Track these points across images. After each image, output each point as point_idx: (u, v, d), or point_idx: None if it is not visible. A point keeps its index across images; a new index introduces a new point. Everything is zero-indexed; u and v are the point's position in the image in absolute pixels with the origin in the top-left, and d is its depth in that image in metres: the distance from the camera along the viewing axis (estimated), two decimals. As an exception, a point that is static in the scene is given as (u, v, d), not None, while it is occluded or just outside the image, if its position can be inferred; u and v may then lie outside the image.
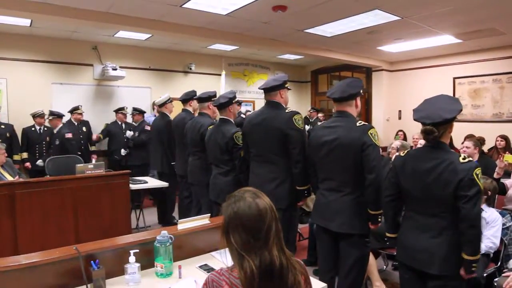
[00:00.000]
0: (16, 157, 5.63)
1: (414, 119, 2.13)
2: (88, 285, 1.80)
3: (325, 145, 2.50)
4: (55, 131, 5.80)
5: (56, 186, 3.94)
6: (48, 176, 4.55)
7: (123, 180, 4.24)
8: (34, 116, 5.82)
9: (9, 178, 4.20)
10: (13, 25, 5.58)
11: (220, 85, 7.59)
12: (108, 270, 1.88)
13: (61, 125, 5.83)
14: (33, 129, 5.86)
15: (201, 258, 2.23)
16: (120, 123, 6.47)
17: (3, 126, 5.71)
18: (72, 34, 6.23)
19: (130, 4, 4.49)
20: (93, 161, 5.72)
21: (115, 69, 6.47)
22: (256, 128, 3.00)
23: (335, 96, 2.55)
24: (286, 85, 3.04)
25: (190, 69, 7.76)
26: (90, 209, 4.00)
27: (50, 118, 5.85)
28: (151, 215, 5.24)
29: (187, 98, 4.74)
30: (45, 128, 5.99)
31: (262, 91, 3.07)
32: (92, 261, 1.84)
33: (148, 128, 5.97)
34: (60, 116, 5.89)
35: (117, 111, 6.45)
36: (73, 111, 5.97)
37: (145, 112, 6.49)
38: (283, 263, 1.26)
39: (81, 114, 6.03)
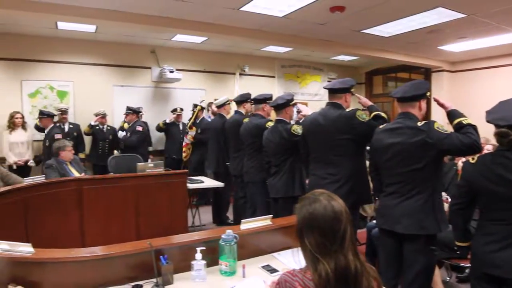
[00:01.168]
0: (81, 155, 5.97)
1: (487, 121, 2.01)
2: (158, 279, 1.86)
3: (389, 148, 2.42)
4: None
5: (119, 183, 4.15)
6: (111, 173, 4.77)
7: (180, 180, 4.38)
8: (97, 116, 6.17)
9: (76, 174, 4.46)
10: (80, 31, 5.95)
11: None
12: (175, 266, 1.93)
13: (52, 125, 5.73)
14: (97, 127, 6.20)
15: (263, 259, 2.22)
16: (177, 123, 6.66)
17: (71, 126, 6.11)
18: (132, 38, 6.53)
19: (188, 8, 4.62)
20: (149, 160, 5.97)
21: (172, 72, 6.68)
22: (317, 128, 2.98)
23: (397, 96, 2.49)
24: (352, 90, 3.00)
25: (244, 71, 7.85)
26: (150, 206, 4.16)
27: (40, 117, 5.68)
28: (205, 214, 5.34)
29: (241, 100, 4.80)
30: (108, 127, 6.33)
31: (315, 93, 3.05)
32: (161, 256, 1.90)
33: (140, 129, 6.02)
34: (50, 115, 5.75)
35: (173, 111, 6.66)
36: (139, 113, 6.29)
37: (139, 112, 6.42)
38: (358, 267, 1.23)
39: (141, 115, 6.31)
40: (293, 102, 3.66)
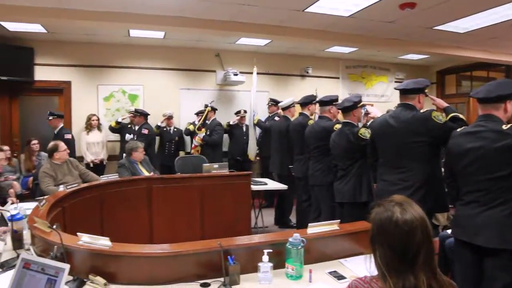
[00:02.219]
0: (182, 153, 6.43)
1: None
2: (225, 278, 1.87)
3: (468, 153, 2.21)
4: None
5: (186, 183, 4.30)
6: (178, 173, 4.95)
7: (245, 181, 4.43)
8: (164, 117, 6.46)
9: (146, 173, 4.69)
10: (150, 38, 6.31)
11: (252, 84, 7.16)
12: (241, 267, 1.94)
13: (61, 125, 5.80)
14: (165, 129, 6.48)
15: (329, 264, 2.16)
16: (240, 125, 6.77)
17: (175, 129, 6.62)
18: (198, 43, 6.76)
19: (253, 12, 4.66)
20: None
21: (236, 75, 6.81)
22: (388, 131, 2.83)
23: (478, 96, 2.25)
24: (426, 91, 2.82)
25: (307, 72, 7.77)
26: (214, 206, 4.25)
27: (50, 118, 5.70)
28: (267, 216, 5.35)
29: (306, 102, 4.74)
30: (175, 129, 6.60)
31: (381, 94, 2.90)
32: (229, 256, 1.91)
33: (146, 131, 6.01)
34: (60, 116, 5.82)
35: (237, 113, 6.77)
36: (198, 114, 6.49)
37: (148, 115, 6.28)
38: None
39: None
40: (361, 103, 3.53)
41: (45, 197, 3.12)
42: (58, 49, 6.45)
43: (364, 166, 3.36)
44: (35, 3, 4.31)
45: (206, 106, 6.36)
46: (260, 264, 1.94)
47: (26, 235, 2.35)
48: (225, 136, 6.89)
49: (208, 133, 6.23)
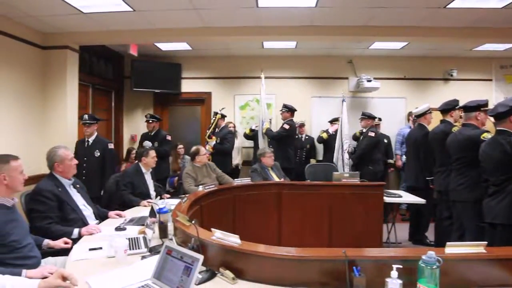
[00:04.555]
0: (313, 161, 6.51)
1: None
2: (349, 290, 1.81)
3: None
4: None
5: (315, 190, 4.32)
6: (308, 180, 5.00)
7: (377, 192, 4.22)
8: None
9: (276, 179, 4.86)
10: (282, 48, 6.57)
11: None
12: (367, 280, 1.84)
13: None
14: (297, 137, 6.61)
15: (473, 292, 1.88)
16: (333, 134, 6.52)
17: (307, 137, 6.79)
18: (330, 50, 6.74)
19: (388, 14, 4.44)
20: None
21: (370, 81, 6.57)
22: None
23: None
24: None
25: (451, 75, 7.01)
26: (343, 215, 4.16)
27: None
28: (401, 231, 4.96)
29: (447, 108, 4.29)
30: (307, 137, 6.70)
31: None
32: (354, 267, 1.84)
33: (169, 138, 5.73)
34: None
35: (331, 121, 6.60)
36: (332, 121, 6.45)
37: (160, 120, 6.08)
38: None
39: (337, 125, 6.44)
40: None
41: (187, 195, 3.51)
42: (201, 63, 7.26)
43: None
44: (182, 25, 4.94)
45: (215, 113, 6.16)
46: (388, 279, 1.80)
47: (170, 227, 2.68)
48: (320, 146, 6.75)
49: (218, 141, 6.04)
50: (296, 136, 6.60)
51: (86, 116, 4.88)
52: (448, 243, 2.04)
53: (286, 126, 5.99)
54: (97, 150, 4.79)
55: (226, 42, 6.08)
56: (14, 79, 4.59)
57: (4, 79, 4.43)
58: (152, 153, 4.26)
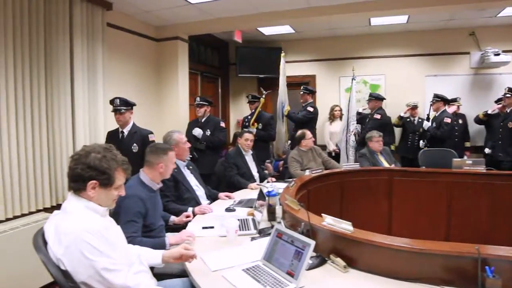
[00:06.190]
0: (392, 147, 6.00)
1: None
2: (481, 292, 1.57)
3: None
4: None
5: (430, 178, 3.94)
6: (423, 167, 4.57)
7: (508, 182, 3.65)
8: (408, 107, 6.06)
9: (386, 164, 4.56)
10: (391, 24, 6.07)
11: None
12: (503, 284, 1.57)
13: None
14: (408, 120, 6.11)
15: None
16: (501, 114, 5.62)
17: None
18: (447, 22, 6.01)
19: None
20: (465, 157, 5.31)
21: (497, 55, 5.71)
22: None
23: None
24: None
25: None
26: (465, 208, 3.72)
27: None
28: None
29: None
30: (420, 119, 6.09)
31: None
32: (487, 267, 1.59)
33: (223, 125, 4.90)
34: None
35: (497, 101, 5.65)
36: (449, 102, 5.73)
37: (212, 104, 5.19)
38: None
39: (458, 106, 5.72)
40: None
41: (294, 179, 3.49)
42: (304, 46, 7.14)
43: None
44: (286, 7, 4.85)
45: (254, 97, 5.78)
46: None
47: (278, 210, 2.68)
48: (481, 127, 5.92)
49: (260, 127, 5.55)
50: (408, 119, 6.11)
51: (117, 101, 3.80)
52: None
53: (310, 109, 5.69)
54: (135, 144, 3.79)
55: (331, 22, 5.84)
56: (134, 70, 5.11)
57: (126, 70, 4.95)
58: (247, 135, 4.37)
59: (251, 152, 4.46)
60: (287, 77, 7.15)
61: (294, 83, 7.19)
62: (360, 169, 4.14)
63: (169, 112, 5.50)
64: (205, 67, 6.84)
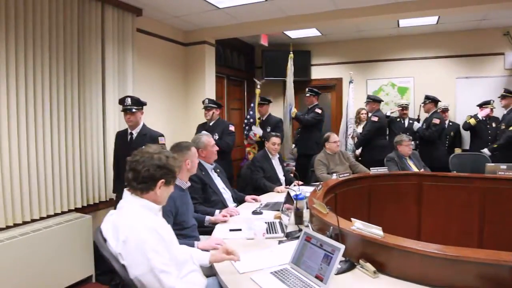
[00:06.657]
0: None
1: None
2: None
3: None
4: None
5: (462, 183, 3.82)
6: (454, 172, 4.45)
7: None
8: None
9: (415, 169, 4.45)
10: (421, 25, 5.94)
11: None
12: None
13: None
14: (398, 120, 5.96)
15: None
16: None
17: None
18: (480, 22, 5.82)
19: None
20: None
21: (534, 55, 5.48)
22: None
23: None
24: None
25: None
26: (500, 214, 3.58)
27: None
28: None
29: None
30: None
31: None
32: (525, 277, 1.53)
33: (232, 128, 4.72)
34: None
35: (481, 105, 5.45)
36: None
37: (221, 106, 4.99)
38: None
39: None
40: None
41: (321, 182, 3.46)
42: (330, 49, 7.10)
43: None
44: (313, 10, 4.83)
45: (267, 100, 5.66)
46: None
47: (306, 213, 2.67)
48: (466, 133, 5.85)
49: (269, 130, 5.29)
50: (398, 119, 6.01)
51: (128, 100, 3.54)
52: None
53: (319, 111, 5.57)
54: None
55: (358, 24, 5.77)
56: (162, 74, 5.22)
57: (155, 74, 5.06)
58: (274, 139, 4.37)
59: (277, 155, 4.47)
60: (313, 80, 7.11)
61: (320, 86, 7.16)
62: (388, 174, 4.07)
63: (195, 115, 5.57)
64: (231, 70, 6.90)
